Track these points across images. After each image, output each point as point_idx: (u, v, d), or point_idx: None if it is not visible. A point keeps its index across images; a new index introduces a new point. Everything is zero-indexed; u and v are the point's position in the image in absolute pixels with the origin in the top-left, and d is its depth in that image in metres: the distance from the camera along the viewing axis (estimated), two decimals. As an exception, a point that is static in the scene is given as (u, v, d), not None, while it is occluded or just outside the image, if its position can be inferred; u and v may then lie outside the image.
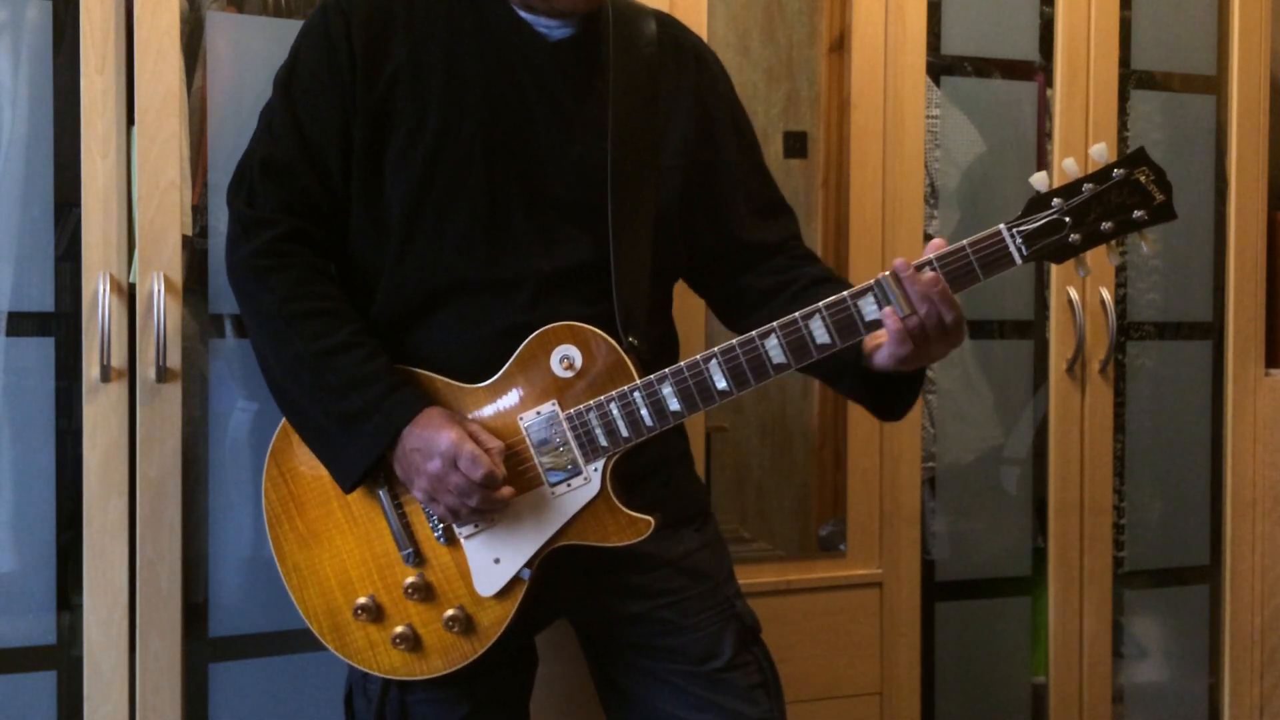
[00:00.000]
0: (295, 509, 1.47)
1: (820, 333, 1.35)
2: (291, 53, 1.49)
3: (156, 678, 1.74)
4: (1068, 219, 1.33)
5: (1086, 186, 1.33)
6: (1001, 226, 1.33)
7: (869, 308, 1.35)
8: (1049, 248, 1.33)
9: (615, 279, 1.43)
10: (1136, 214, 1.33)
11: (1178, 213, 1.34)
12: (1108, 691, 2.38)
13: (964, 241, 1.34)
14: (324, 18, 1.45)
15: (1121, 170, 1.33)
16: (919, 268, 1.34)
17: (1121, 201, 1.33)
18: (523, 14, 1.46)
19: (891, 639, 2.20)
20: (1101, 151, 1.32)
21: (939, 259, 1.34)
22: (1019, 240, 1.33)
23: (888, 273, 1.35)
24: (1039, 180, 1.34)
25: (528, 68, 1.46)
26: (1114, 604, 2.39)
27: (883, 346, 1.38)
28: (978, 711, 2.36)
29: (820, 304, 1.35)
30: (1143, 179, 1.33)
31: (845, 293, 1.36)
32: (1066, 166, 1.33)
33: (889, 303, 1.34)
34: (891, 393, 1.48)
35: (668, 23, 1.59)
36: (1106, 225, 1.33)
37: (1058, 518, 2.34)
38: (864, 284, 1.36)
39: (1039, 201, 1.34)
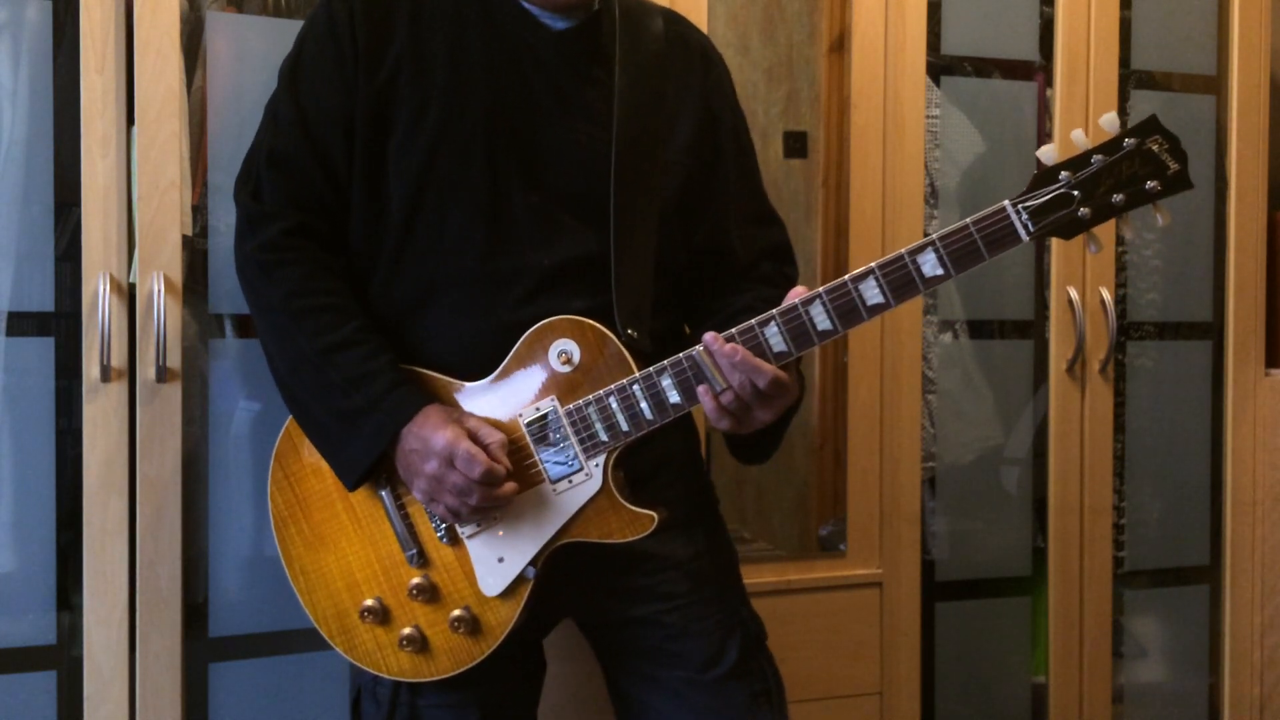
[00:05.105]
0: (301, 512, 1.47)
1: (822, 319, 1.32)
2: (296, 43, 1.48)
3: (156, 678, 1.74)
4: (1076, 192, 1.27)
5: (1096, 158, 1.27)
6: (1006, 203, 1.29)
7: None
8: (1057, 223, 1.28)
9: (615, 271, 1.42)
10: (1150, 184, 1.27)
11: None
12: (1108, 691, 2.37)
13: (968, 219, 1.30)
14: (328, 8, 1.45)
15: (1133, 140, 1.27)
16: (728, 339, 1.32)
17: (1134, 172, 1.27)
18: (526, 5, 1.45)
19: (891, 639, 2.20)
20: (1112, 121, 1.26)
21: (941, 239, 1.29)
22: (1025, 216, 1.28)
23: (699, 348, 1.33)
24: (1046, 153, 1.28)
25: (533, 58, 1.45)
26: (1114, 604, 2.38)
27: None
28: (978, 711, 2.35)
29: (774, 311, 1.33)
30: (1155, 148, 1.26)
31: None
32: (1075, 138, 1.28)
33: (705, 380, 1.33)
34: (749, 443, 1.47)
35: (674, 20, 1.58)
36: (1118, 197, 1.27)
37: (1058, 518, 2.34)
38: (684, 353, 1.34)
39: (1046, 175, 1.28)
